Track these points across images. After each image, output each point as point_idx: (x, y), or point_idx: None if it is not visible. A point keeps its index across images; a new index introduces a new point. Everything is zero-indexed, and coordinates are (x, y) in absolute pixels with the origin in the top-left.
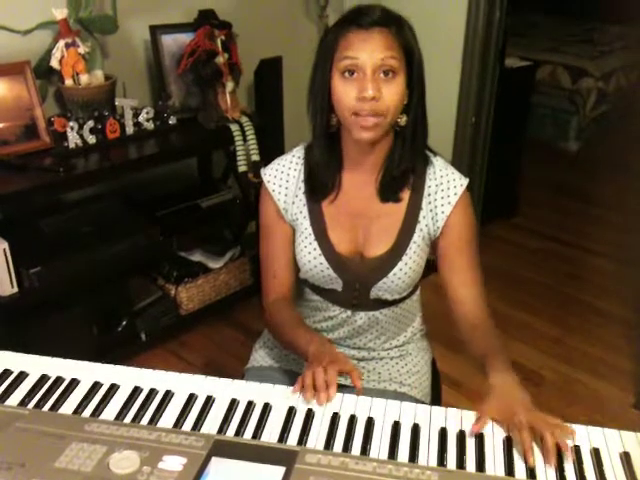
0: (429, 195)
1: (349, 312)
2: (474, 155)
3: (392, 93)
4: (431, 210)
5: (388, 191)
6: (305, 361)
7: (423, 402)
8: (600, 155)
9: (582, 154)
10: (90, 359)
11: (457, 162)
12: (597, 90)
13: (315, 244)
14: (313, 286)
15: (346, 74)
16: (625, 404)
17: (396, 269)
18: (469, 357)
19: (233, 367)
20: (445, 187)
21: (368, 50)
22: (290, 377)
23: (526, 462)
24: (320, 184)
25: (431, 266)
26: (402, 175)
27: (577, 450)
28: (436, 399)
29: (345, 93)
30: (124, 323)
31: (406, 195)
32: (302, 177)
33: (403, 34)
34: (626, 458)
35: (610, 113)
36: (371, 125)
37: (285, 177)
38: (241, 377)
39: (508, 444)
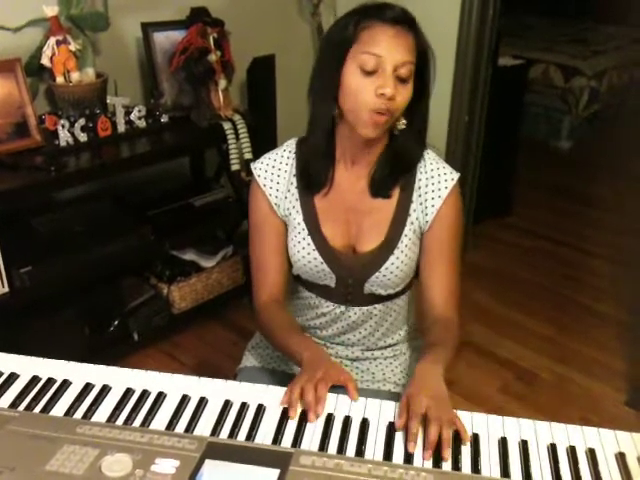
0: (419, 188)
1: (343, 308)
2: (467, 154)
3: (404, 96)
4: (421, 203)
5: (379, 188)
6: (299, 367)
7: None
8: (592, 154)
9: (574, 153)
10: (82, 359)
11: (450, 161)
12: (589, 89)
13: (309, 239)
14: (306, 282)
15: (367, 68)
16: (618, 403)
17: (388, 263)
18: (462, 356)
19: (226, 367)
20: (436, 181)
21: (392, 48)
22: (282, 378)
23: (406, 449)
24: (313, 177)
25: None
26: (394, 176)
27: (573, 450)
28: None
29: (363, 88)
30: (116, 323)
31: (396, 190)
32: (294, 171)
33: (420, 37)
34: (621, 458)
35: (602, 112)
36: (383, 121)
37: (276, 172)
38: (233, 377)
39: (503, 445)
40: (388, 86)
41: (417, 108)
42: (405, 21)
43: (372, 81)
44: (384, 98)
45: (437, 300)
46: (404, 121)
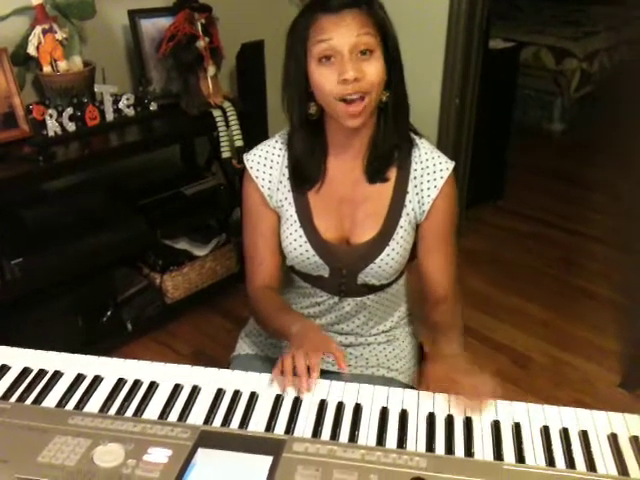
0: (415, 179)
1: (336, 298)
2: (459, 137)
3: (373, 70)
4: (417, 194)
5: (375, 171)
6: (288, 342)
7: (411, 387)
8: (585, 136)
9: (567, 135)
10: (76, 350)
11: (442, 145)
12: (581, 71)
13: (301, 231)
14: (300, 273)
15: (323, 60)
16: (612, 384)
17: (383, 254)
18: None
19: (220, 355)
20: (431, 170)
21: (342, 31)
22: None
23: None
24: (306, 175)
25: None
26: (388, 153)
27: (565, 432)
28: None
29: (325, 79)
30: (109, 313)
31: (392, 176)
32: (286, 162)
33: (374, 11)
34: (614, 439)
35: (594, 94)
36: (360, 110)
37: (269, 163)
38: (228, 365)
39: (496, 428)
40: (348, 69)
41: (392, 79)
42: (352, 3)
43: (332, 70)
44: (347, 83)
45: (437, 285)
46: (387, 93)
